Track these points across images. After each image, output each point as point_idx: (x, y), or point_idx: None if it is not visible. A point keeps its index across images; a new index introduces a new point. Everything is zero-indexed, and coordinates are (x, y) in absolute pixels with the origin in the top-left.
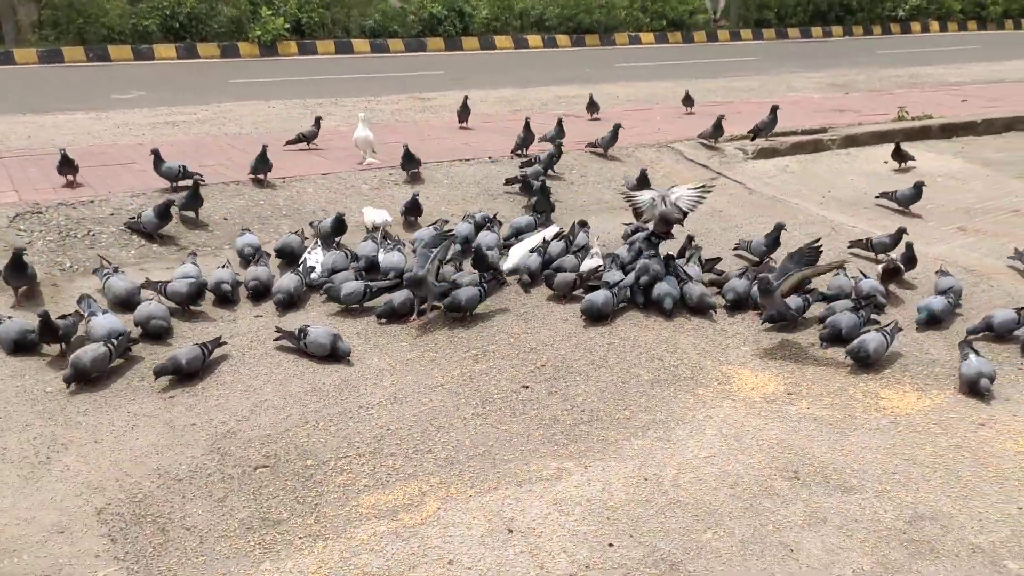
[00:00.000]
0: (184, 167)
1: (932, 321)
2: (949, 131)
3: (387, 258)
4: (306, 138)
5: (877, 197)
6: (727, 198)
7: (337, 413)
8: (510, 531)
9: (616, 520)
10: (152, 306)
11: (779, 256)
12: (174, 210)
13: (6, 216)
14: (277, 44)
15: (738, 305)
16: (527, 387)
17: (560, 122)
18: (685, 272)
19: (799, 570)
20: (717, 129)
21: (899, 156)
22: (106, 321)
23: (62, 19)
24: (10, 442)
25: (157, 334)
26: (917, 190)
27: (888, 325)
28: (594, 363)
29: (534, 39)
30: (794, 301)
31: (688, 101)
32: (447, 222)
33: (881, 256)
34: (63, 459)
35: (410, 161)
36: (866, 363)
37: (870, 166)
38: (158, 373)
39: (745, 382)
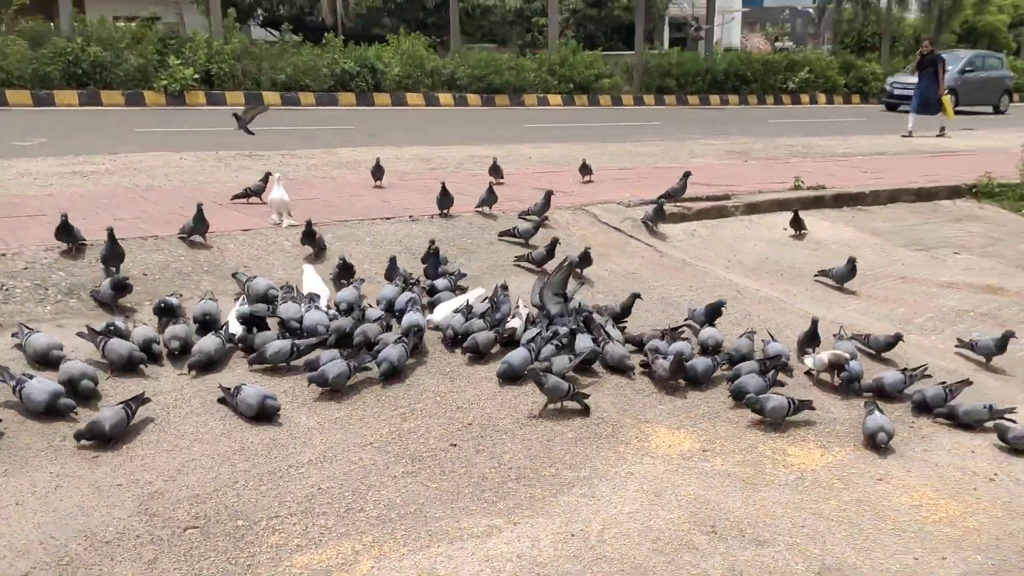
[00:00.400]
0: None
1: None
2: (841, 201)
3: (309, 316)
4: (253, 192)
5: (816, 275)
6: (639, 261)
7: (267, 472)
8: None
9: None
10: (78, 364)
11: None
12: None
13: None
14: (185, 93)
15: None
16: (455, 445)
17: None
18: (606, 332)
19: None
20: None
21: (797, 224)
22: (43, 385)
23: None
24: None
25: (86, 396)
26: (851, 267)
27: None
28: (519, 421)
29: (445, 97)
30: (702, 363)
31: (585, 170)
32: (416, 281)
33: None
34: None
35: (311, 239)
36: (762, 413)
37: (770, 233)
38: (79, 437)
39: (663, 439)
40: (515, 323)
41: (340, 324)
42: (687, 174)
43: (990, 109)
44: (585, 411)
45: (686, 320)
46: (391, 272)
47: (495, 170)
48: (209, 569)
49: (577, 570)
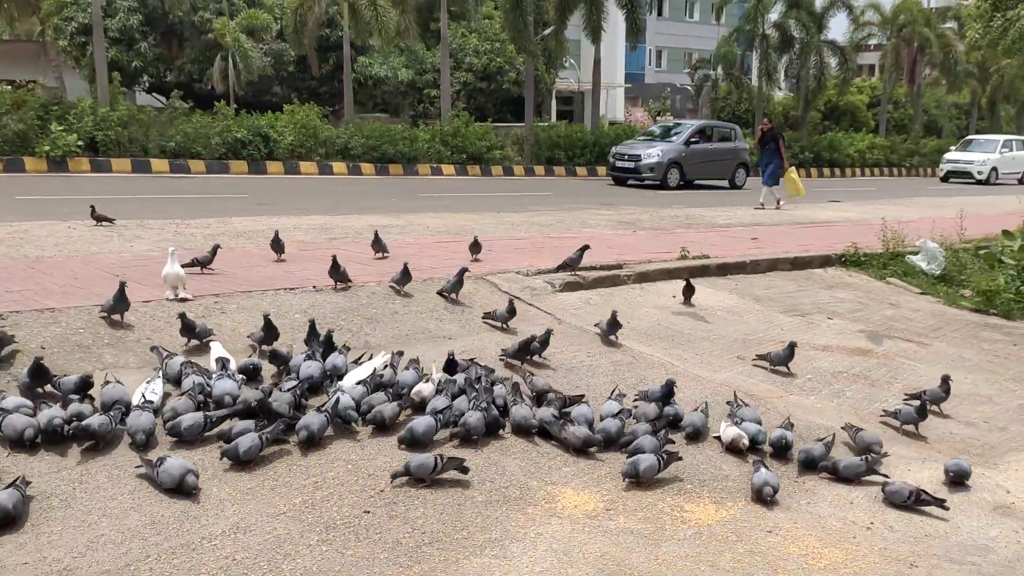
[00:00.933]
0: None
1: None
2: (724, 270)
3: (219, 385)
4: (200, 263)
5: (754, 360)
6: (539, 328)
7: (180, 545)
8: None
9: None
10: None
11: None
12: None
13: None
14: (68, 160)
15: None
16: (368, 512)
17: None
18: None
19: None
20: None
21: (688, 292)
22: None
23: None
24: None
25: None
26: (790, 351)
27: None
28: (430, 487)
29: (339, 166)
30: (613, 424)
31: (475, 247)
32: (348, 348)
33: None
34: None
35: (191, 331)
36: (638, 480)
37: (661, 300)
38: None
39: (569, 500)
40: (426, 387)
41: (247, 396)
42: (584, 247)
43: (725, 183)
44: (464, 472)
45: (635, 401)
46: (310, 337)
47: (377, 243)
48: None
49: None
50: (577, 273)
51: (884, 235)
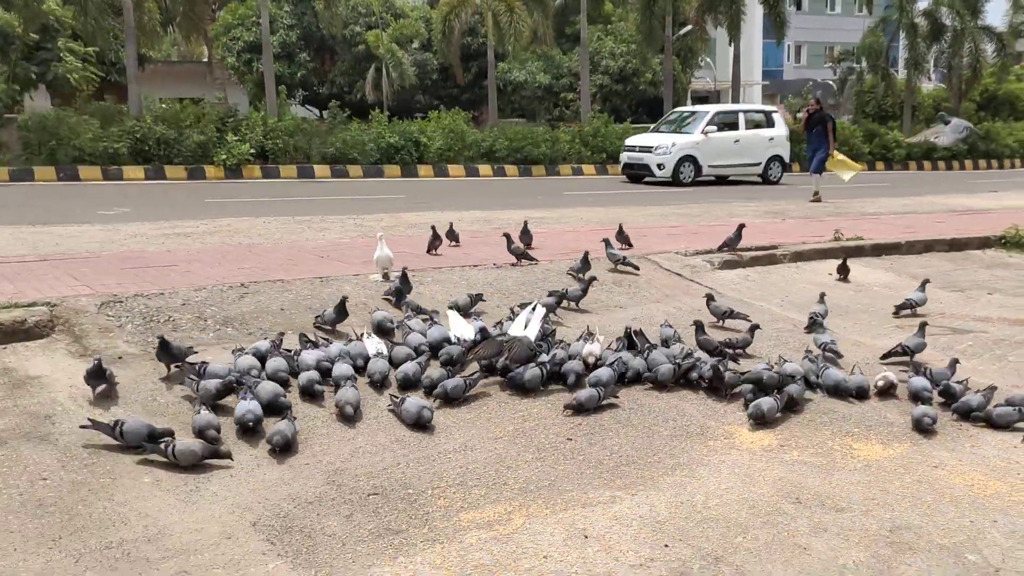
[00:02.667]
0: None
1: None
2: (879, 250)
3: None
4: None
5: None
6: (701, 301)
7: (422, 457)
8: (586, 536)
9: (666, 530)
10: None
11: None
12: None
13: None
14: (241, 167)
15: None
16: (571, 439)
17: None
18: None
19: (812, 562)
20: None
21: (843, 270)
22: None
23: (33, 141)
24: (160, 476)
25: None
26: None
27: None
28: (619, 422)
29: (484, 168)
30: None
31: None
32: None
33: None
34: (209, 487)
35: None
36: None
37: (817, 277)
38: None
39: (745, 437)
40: (594, 348)
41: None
42: (742, 225)
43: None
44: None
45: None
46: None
47: (525, 233)
48: (395, 521)
49: (691, 526)
50: (736, 252)
51: None
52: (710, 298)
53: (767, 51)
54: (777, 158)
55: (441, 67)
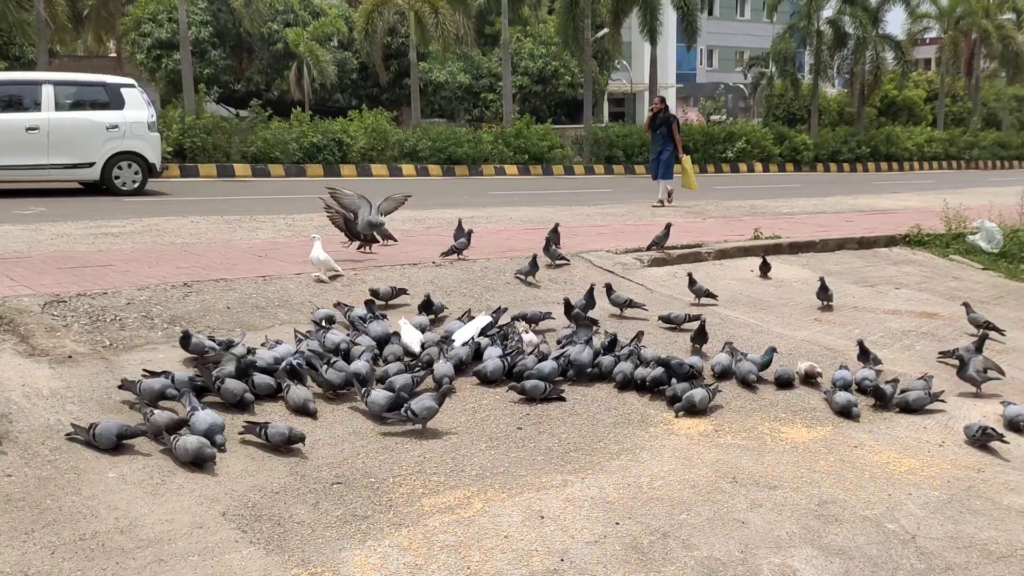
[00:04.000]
0: None
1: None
2: (796, 248)
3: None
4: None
5: (939, 358)
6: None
7: (380, 447)
8: (542, 517)
9: (615, 509)
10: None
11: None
12: None
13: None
14: None
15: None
16: (520, 428)
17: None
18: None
19: (750, 534)
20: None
21: (765, 268)
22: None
23: None
24: (125, 471)
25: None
26: (980, 344)
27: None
28: (565, 411)
29: (408, 168)
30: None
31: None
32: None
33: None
34: (175, 480)
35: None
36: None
37: (739, 273)
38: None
39: (683, 424)
40: (534, 337)
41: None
42: (669, 225)
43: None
44: (562, 400)
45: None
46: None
47: (459, 231)
48: (361, 508)
49: (638, 505)
50: (664, 250)
51: (946, 216)
52: (609, 288)
53: (680, 55)
54: (130, 156)
55: (361, 66)
